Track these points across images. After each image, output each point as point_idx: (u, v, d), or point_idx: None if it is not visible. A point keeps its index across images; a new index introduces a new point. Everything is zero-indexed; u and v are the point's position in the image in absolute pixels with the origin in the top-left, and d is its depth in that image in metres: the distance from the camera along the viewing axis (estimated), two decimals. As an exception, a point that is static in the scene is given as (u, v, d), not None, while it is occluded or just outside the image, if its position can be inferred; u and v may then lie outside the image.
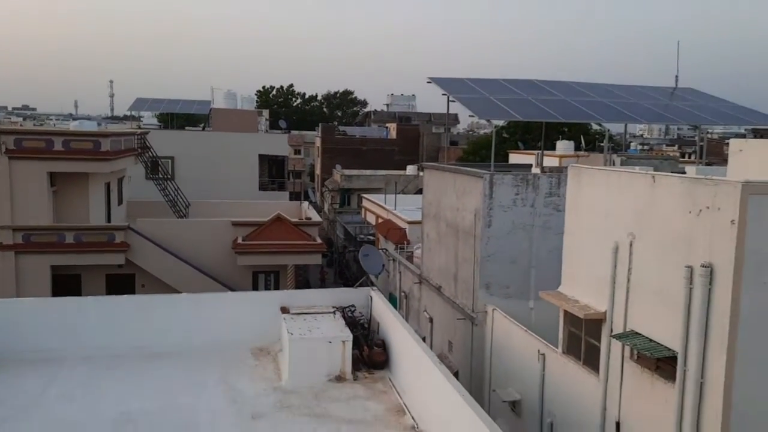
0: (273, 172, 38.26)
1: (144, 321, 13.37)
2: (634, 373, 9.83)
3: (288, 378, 12.20)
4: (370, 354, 13.14)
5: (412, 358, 11.56)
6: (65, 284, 22.49)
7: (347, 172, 52.57)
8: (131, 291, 22.23)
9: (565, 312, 11.60)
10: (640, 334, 9.65)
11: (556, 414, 12.10)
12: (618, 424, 10.19)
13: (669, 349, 8.97)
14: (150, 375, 12.27)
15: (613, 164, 15.04)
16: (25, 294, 19.14)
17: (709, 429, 8.37)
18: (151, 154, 28.39)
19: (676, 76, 20.43)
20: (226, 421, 10.66)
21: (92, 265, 22.91)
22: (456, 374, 10.35)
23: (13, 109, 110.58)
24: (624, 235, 10.10)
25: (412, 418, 10.96)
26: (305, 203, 32.27)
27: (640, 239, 9.83)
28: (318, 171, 66.73)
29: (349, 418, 10.96)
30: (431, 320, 18.99)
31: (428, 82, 18.05)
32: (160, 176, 28.06)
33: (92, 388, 11.64)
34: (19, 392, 11.27)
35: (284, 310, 13.97)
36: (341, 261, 42.57)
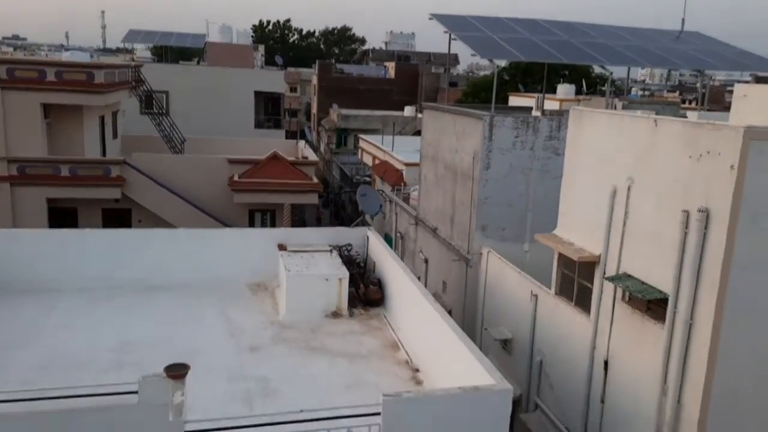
0: (269, 110, 37.76)
1: (142, 254, 13.48)
2: (625, 314, 10.05)
3: (285, 313, 12.42)
4: (366, 292, 13.35)
5: (407, 296, 11.76)
6: (62, 218, 22.51)
7: (344, 111, 51.97)
8: (128, 226, 22.27)
9: (560, 254, 11.74)
10: (632, 276, 9.81)
11: (545, 352, 12.42)
12: (606, 363, 10.49)
13: (660, 292, 9.14)
14: (148, 307, 12.47)
15: (615, 108, 14.91)
16: (22, 227, 19.16)
17: (695, 368, 8.63)
18: (145, 88, 27.92)
19: (683, 20, 20.00)
20: (224, 352, 10.91)
21: (88, 199, 22.88)
22: (449, 313, 10.55)
23: (3, 38, 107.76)
24: (622, 180, 10.12)
25: (406, 353, 11.24)
26: (301, 142, 32.03)
27: (638, 183, 9.86)
28: (314, 110, 65.92)
29: (344, 351, 11.24)
30: (426, 261, 19.21)
31: (430, 19, 17.64)
32: (155, 111, 27.69)
33: (91, 317, 11.84)
34: (19, 320, 11.46)
35: (281, 247, 14.08)
36: (337, 202, 42.66)
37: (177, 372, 7.41)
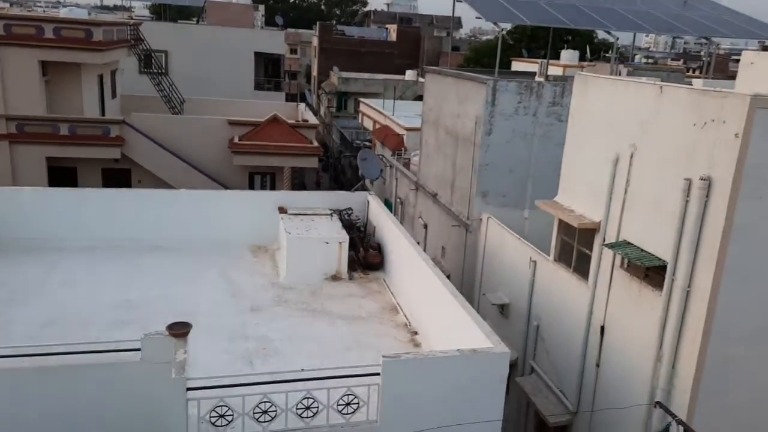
0: (269, 71, 37.27)
1: (143, 214, 13.49)
2: (623, 281, 10.13)
3: (285, 275, 12.51)
4: (365, 256, 13.42)
5: (406, 261, 11.83)
6: (61, 177, 22.44)
7: (345, 74, 51.36)
8: (127, 186, 22.16)
9: (560, 221, 11.78)
10: (632, 244, 9.86)
11: (542, 317, 12.56)
12: (603, 328, 10.62)
13: (659, 259, 9.20)
14: (150, 266, 12.54)
15: (620, 75, 14.76)
16: (22, 185, 19.11)
17: (690, 334, 8.75)
18: (144, 47, 27.52)
19: (692, -15, 19.64)
20: (225, 312, 11.02)
21: (88, 158, 22.77)
22: (448, 278, 10.64)
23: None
24: (625, 147, 10.08)
25: (405, 316, 11.37)
26: (302, 105, 31.73)
27: (641, 151, 9.83)
28: (315, 72, 65.15)
29: (344, 314, 11.36)
30: (426, 226, 19.26)
31: (434, -19, 17.30)
32: (154, 70, 27.34)
33: (93, 276, 11.93)
34: (22, 278, 11.54)
35: (282, 210, 14.10)
36: (337, 166, 42.51)
37: (179, 330, 7.51)
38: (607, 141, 10.57)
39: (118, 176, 23.30)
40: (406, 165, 23.07)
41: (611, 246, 10.06)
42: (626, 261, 10.00)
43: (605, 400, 10.55)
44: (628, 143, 10.03)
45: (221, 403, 7.09)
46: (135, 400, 7.44)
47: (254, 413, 7.18)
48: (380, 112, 32.95)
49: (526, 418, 13.18)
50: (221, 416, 7.10)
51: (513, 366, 12.78)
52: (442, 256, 17.82)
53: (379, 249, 13.49)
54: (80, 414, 7.40)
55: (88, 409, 7.40)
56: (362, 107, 37.81)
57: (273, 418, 7.25)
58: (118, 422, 7.46)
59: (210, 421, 7.09)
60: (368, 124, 35.89)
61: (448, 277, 11.03)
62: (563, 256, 11.93)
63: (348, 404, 7.49)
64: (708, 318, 8.48)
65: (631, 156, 9.97)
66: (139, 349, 7.47)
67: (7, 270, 11.80)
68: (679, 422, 5.19)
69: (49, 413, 7.36)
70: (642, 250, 9.60)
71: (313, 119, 28.01)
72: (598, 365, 10.76)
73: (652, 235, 9.51)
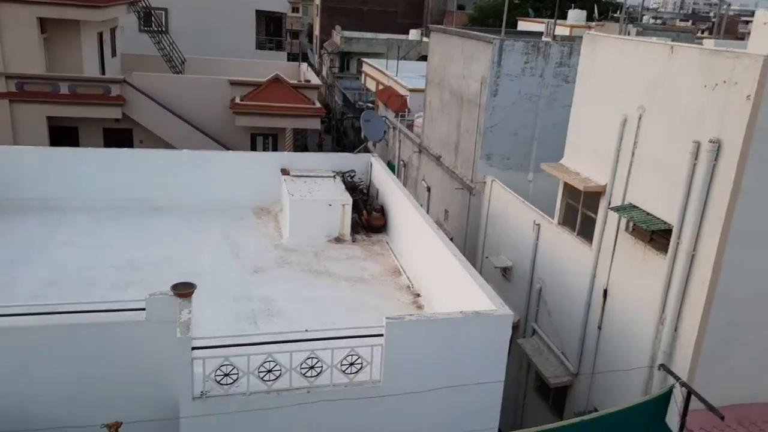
0: (270, 31, 36.64)
1: (145, 175, 13.42)
2: (627, 245, 10.10)
3: (288, 237, 12.50)
4: (368, 218, 13.39)
5: (410, 223, 11.80)
6: (62, 137, 22.28)
7: (347, 34, 50.51)
8: (129, 146, 22.06)
9: (565, 184, 11.69)
10: (637, 207, 9.79)
11: (545, 280, 12.58)
12: (605, 292, 10.63)
13: (665, 223, 9.14)
14: (152, 227, 12.53)
15: (629, 35, 14.45)
16: (23, 145, 19.00)
17: (694, 298, 8.75)
18: (144, 4, 26.99)
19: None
20: (229, 273, 11.05)
21: (89, 118, 22.56)
22: (451, 240, 10.61)
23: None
24: (634, 108, 9.92)
25: (408, 278, 11.39)
26: (304, 65, 31.28)
27: (649, 113, 9.67)
28: (317, 32, 64.10)
29: (347, 276, 11.39)
30: (429, 189, 19.17)
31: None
32: (154, 29, 26.88)
33: (96, 236, 11.92)
34: (25, 237, 11.54)
35: (284, 171, 14.02)
36: (339, 128, 42.15)
37: (183, 290, 7.52)
38: (615, 103, 10.40)
39: (119, 136, 23.13)
40: (410, 127, 22.85)
41: (617, 209, 10.00)
42: (631, 224, 9.95)
43: (606, 363, 10.65)
44: (636, 105, 9.87)
45: (226, 362, 7.14)
46: (140, 360, 7.50)
47: (259, 372, 7.25)
48: (383, 72, 32.49)
49: (527, 380, 13.33)
50: (226, 375, 7.16)
51: (515, 328, 12.87)
52: (445, 219, 17.79)
53: (382, 211, 13.45)
54: (86, 373, 7.47)
55: (93, 368, 7.46)
56: (365, 68, 37.28)
57: (277, 377, 7.31)
58: (124, 381, 7.53)
59: (215, 380, 7.16)
60: (371, 85, 35.45)
61: (451, 240, 11.01)
62: (567, 220, 11.88)
63: (351, 364, 7.55)
64: (712, 282, 8.46)
65: (639, 118, 9.82)
66: (143, 309, 7.50)
67: (10, 230, 11.80)
68: (683, 384, 5.22)
69: (54, 372, 7.43)
70: (647, 213, 9.54)
71: (315, 80, 27.65)
72: (600, 328, 10.82)
73: (658, 198, 9.43)
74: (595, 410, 10.63)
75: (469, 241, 16.09)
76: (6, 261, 10.59)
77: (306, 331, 7.69)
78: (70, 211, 12.73)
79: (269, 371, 7.27)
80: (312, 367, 7.41)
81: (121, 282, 10.18)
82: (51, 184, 12.90)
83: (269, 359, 7.24)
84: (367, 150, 20.35)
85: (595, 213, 10.90)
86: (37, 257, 10.87)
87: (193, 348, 6.97)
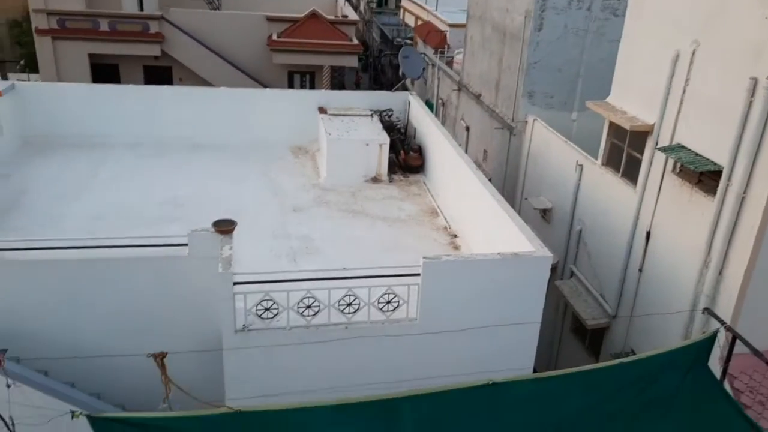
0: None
1: (185, 113, 13.52)
2: (674, 187, 9.79)
3: (326, 176, 12.52)
4: (406, 158, 13.27)
5: (447, 164, 11.65)
6: (104, 74, 22.53)
7: (386, -33, 48.92)
8: (169, 84, 22.19)
9: (611, 123, 11.29)
10: (686, 147, 9.43)
11: (585, 222, 12.37)
12: (648, 234, 10.41)
13: (714, 164, 8.80)
14: (193, 164, 12.70)
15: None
16: (66, 81, 19.27)
17: (741, 241, 8.48)
18: (180, -61, 26.56)
19: None
20: (268, 211, 11.18)
21: (129, 56, 22.70)
22: (489, 181, 10.44)
23: None
24: (687, 43, 9.41)
25: (445, 219, 11.34)
26: (341, 0, 30.57)
27: (703, 48, 9.16)
28: (355, -34, 62.23)
29: (384, 216, 11.41)
30: (468, 129, 18.83)
31: None
32: (191, -36, 26.48)
33: (140, 173, 12.15)
34: (71, 173, 11.84)
35: (322, 110, 13.91)
36: (377, 65, 41.41)
37: (225, 227, 7.66)
38: (667, 37, 9.87)
39: (159, 74, 23.25)
40: (449, 64, 22.27)
41: (664, 150, 9.65)
42: (679, 165, 9.61)
43: (646, 305, 10.54)
44: (689, 39, 9.35)
45: (267, 298, 7.31)
46: (184, 293, 7.74)
47: (298, 308, 7.40)
48: (422, 7, 31.51)
49: (563, 321, 13.34)
50: (267, 309, 7.34)
51: (553, 269, 12.75)
52: (483, 159, 17.53)
53: (419, 151, 13.30)
54: (132, 305, 7.76)
55: (139, 300, 7.75)
56: (404, 2, 36.24)
57: (316, 313, 7.47)
58: (169, 314, 7.81)
59: (256, 314, 7.35)
60: (410, 21, 34.52)
61: (490, 180, 10.83)
62: (611, 161, 11.55)
63: (388, 302, 7.64)
64: (762, 225, 8.17)
65: (693, 53, 9.32)
66: (186, 245, 7.68)
67: (57, 166, 12.11)
68: (728, 329, 5.12)
69: (102, 303, 7.74)
70: (696, 154, 9.18)
71: (353, 15, 27.05)
72: (640, 270, 10.66)
73: (708, 138, 9.05)
74: (633, 352, 10.62)
75: (508, 182, 15.86)
76: (54, 196, 10.90)
77: (344, 269, 7.78)
78: (113, 147, 12.97)
79: (308, 307, 7.42)
80: (350, 304, 7.53)
81: (165, 217, 10.40)
82: (94, 121, 13.11)
83: (308, 295, 7.38)
84: (405, 88, 19.95)
85: (641, 153, 10.55)
86: (83, 193, 11.15)
87: (235, 283, 7.14)
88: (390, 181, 12.82)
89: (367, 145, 12.64)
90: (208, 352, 7.27)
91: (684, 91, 9.52)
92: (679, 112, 9.65)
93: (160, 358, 4.94)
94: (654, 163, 10.22)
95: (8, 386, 3.88)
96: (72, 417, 3.76)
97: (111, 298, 7.73)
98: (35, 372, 7.53)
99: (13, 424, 3.98)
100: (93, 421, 3.81)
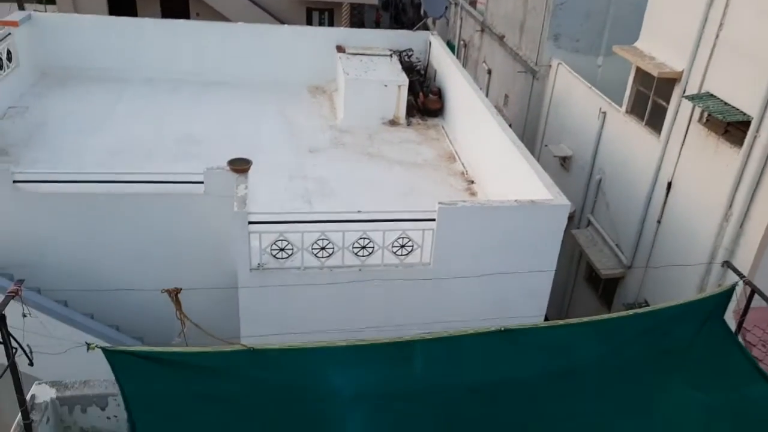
0: None
1: (202, 48, 13.30)
2: (699, 136, 9.53)
3: (343, 117, 12.35)
4: (425, 101, 13.02)
5: (467, 108, 11.42)
6: (120, 6, 22.17)
7: None
8: (185, 18, 21.77)
9: (638, 69, 10.93)
10: (715, 96, 9.12)
11: (606, 171, 12.17)
12: (669, 185, 10.22)
13: (743, 114, 8.52)
14: (210, 101, 12.59)
15: None
16: (83, 13, 18.97)
17: (765, 196, 8.30)
18: None
19: None
20: (284, 151, 11.11)
21: (145, -11, 22.27)
22: (509, 127, 10.22)
23: None
24: (724, -15, 8.97)
25: (463, 164, 11.20)
26: (363, -67, 29.46)
27: (741, -9, 8.74)
28: None
29: (400, 160, 11.29)
30: (489, 72, 18.38)
31: None
32: None
33: (156, 109, 12.08)
34: (88, 108, 11.80)
35: (340, 49, 13.60)
36: (397, 4, 40.33)
37: (240, 166, 7.62)
38: (703, -21, 9.41)
39: (176, 8, 22.83)
40: (473, 3, 21.54)
41: (692, 98, 9.34)
42: (706, 115, 9.33)
43: (662, 257, 10.46)
44: (727, -19, 8.91)
45: (281, 238, 7.32)
46: (200, 231, 7.80)
47: (313, 249, 7.42)
48: (447, -57, 30.31)
49: (577, 270, 13.31)
50: (281, 249, 7.37)
51: (570, 218, 12.63)
52: (504, 104, 17.18)
53: (439, 94, 13.03)
54: (149, 241, 7.85)
55: (156, 236, 7.82)
56: (428, -62, 34.80)
57: (330, 255, 7.49)
58: (185, 250, 7.89)
59: (271, 254, 7.38)
60: (434, -42, 33.22)
61: (510, 126, 10.60)
62: (636, 108, 11.24)
63: (402, 246, 7.63)
64: (788, 179, 7.98)
65: (729, -3, 8.89)
66: (202, 182, 7.68)
67: (75, 98, 12.06)
68: (747, 283, 5.04)
69: (120, 237, 7.83)
70: (725, 103, 8.89)
71: (374, -51, 26.08)
72: (659, 222, 10.52)
73: (738, 87, 8.73)
74: (646, 303, 10.62)
75: (529, 128, 15.57)
76: (73, 129, 10.90)
77: (359, 212, 7.75)
78: (130, 82, 12.86)
79: (322, 248, 7.43)
80: (364, 247, 7.54)
81: (181, 154, 10.38)
82: (111, 54, 12.96)
83: (323, 237, 7.38)
84: (426, 28, 19.41)
85: (668, 101, 10.24)
86: (100, 127, 11.13)
87: (250, 222, 7.15)
88: (408, 124, 12.63)
89: (386, 86, 12.40)
90: (224, 289, 7.37)
91: (717, 36, 9.14)
92: (710, 58, 9.29)
93: (174, 293, 4.99)
94: (680, 112, 9.94)
95: (24, 316, 3.95)
96: (87, 349, 3.83)
97: (128, 232, 7.82)
98: (55, 302, 7.71)
99: (31, 352, 4.06)
100: (108, 354, 3.88)
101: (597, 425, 4.45)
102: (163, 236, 7.82)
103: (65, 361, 4.66)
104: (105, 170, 8.68)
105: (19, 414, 4.31)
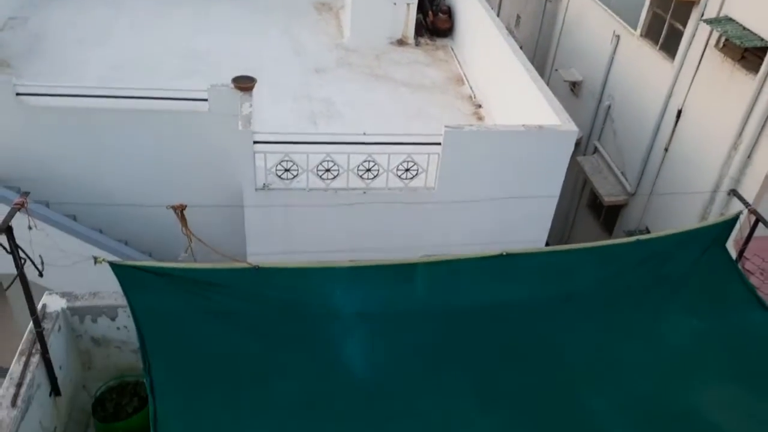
0: None
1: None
2: (714, 62, 9.28)
3: (350, 36, 12.03)
4: (434, 20, 12.63)
5: (477, 28, 11.09)
6: None
7: None
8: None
9: (655, -9, 10.53)
10: (734, 20, 8.81)
11: (615, 97, 11.94)
12: (679, 112, 10.04)
13: (762, 39, 8.25)
14: (213, 16, 12.24)
15: None
16: None
17: (777, 125, 8.19)
18: None
19: None
20: (289, 70, 10.89)
21: None
22: (520, 49, 9.93)
23: None
24: None
25: (471, 88, 10.99)
26: None
27: None
28: None
29: (407, 81, 11.08)
30: (501, -10, 17.73)
31: None
32: None
33: (159, 22, 11.77)
34: (89, 19, 11.49)
35: (348, -38, 13.07)
36: None
37: (244, 84, 7.50)
38: None
39: None
40: None
41: (710, 21, 9.03)
42: (723, 39, 9.04)
43: (666, 185, 10.42)
44: None
45: (287, 158, 7.30)
46: (205, 149, 7.77)
47: (318, 170, 7.41)
48: None
49: (580, 196, 13.32)
50: (287, 170, 7.37)
51: (576, 145, 12.53)
52: (516, 25, 16.66)
53: (449, 13, 12.62)
54: (153, 156, 7.83)
55: (160, 152, 7.80)
56: None
57: (335, 177, 7.49)
58: (190, 168, 7.89)
59: (276, 174, 7.38)
60: None
61: (521, 48, 10.30)
62: (651, 32, 10.89)
63: (407, 170, 7.61)
64: (802, 109, 7.83)
65: None
66: (206, 99, 7.58)
67: (75, 10, 11.74)
68: (752, 212, 5.03)
69: (123, 153, 7.81)
70: (744, 28, 8.59)
71: None
72: (666, 149, 10.42)
73: (759, 11, 8.42)
74: (647, 231, 10.68)
75: (540, 51, 15.17)
76: (73, 41, 10.67)
77: (364, 134, 7.68)
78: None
79: (327, 170, 7.42)
80: (369, 170, 7.52)
81: (184, 70, 10.18)
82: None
83: (328, 159, 7.36)
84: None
85: (684, 25, 9.91)
86: (102, 40, 10.89)
87: (255, 142, 7.10)
88: (416, 45, 12.31)
89: (395, 3, 12.00)
90: (230, 208, 7.42)
91: (741, -43, 8.74)
92: (732, -20, 8.92)
93: (179, 209, 5.02)
94: (696, 36, 9.63)
95: (30, 228, 3.98)
96: (95, 263, 3.88)
97: (134, 148, 7.80)
98: (63, 215, 7.79)
99: (42, 263, 4.13)
100: (115, 268, 3.94)
101: (595, 349, 4.56)
102: (170, 154, 7.80)
103: (76, 274, 4.75)
104: (107, 85, 8.55)
105: (31, 322, 4.43)
